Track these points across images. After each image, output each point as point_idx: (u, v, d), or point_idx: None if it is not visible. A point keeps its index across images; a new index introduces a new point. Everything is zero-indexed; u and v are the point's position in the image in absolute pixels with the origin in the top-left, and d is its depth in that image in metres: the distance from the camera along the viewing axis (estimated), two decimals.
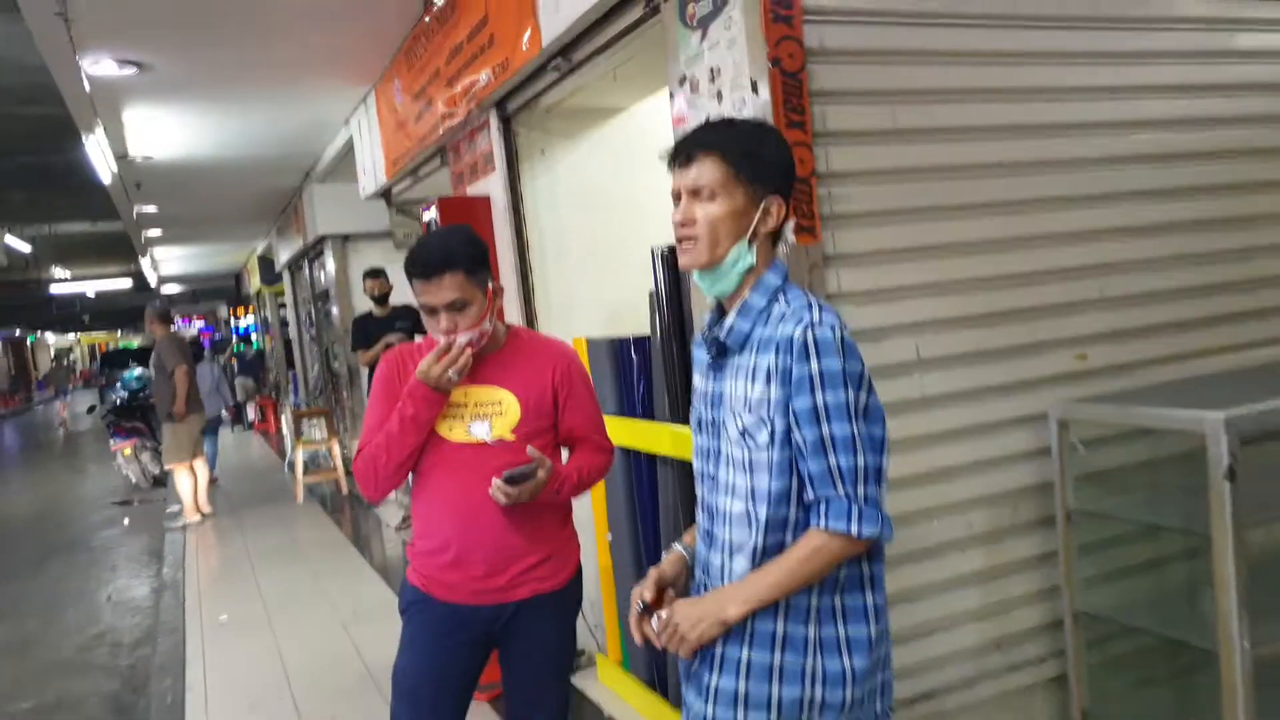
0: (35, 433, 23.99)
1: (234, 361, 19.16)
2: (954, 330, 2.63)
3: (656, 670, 3.78)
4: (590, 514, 4.06)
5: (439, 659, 2.42)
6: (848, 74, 2.46)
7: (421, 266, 2.27)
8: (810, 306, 1.71)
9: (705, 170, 1.72)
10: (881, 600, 1.77)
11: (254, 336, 20.84)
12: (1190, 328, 2.96)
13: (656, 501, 3.66)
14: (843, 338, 1.67)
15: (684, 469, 3.39)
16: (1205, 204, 3.01)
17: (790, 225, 2.38)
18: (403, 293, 8.07)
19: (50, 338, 49.73)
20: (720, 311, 1.85)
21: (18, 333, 39.30)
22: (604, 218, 4.49)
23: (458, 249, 2.30)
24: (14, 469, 16.54)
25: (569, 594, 2.53)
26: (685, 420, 3.30)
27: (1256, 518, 2.17)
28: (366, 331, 7.48)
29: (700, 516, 1.91)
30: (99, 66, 5.00)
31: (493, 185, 4.41)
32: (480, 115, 4.36)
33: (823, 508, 1.67)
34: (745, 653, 1.74)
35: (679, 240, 1.78)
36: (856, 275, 2.50)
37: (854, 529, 1.64)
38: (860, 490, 1.65)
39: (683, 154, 1.75)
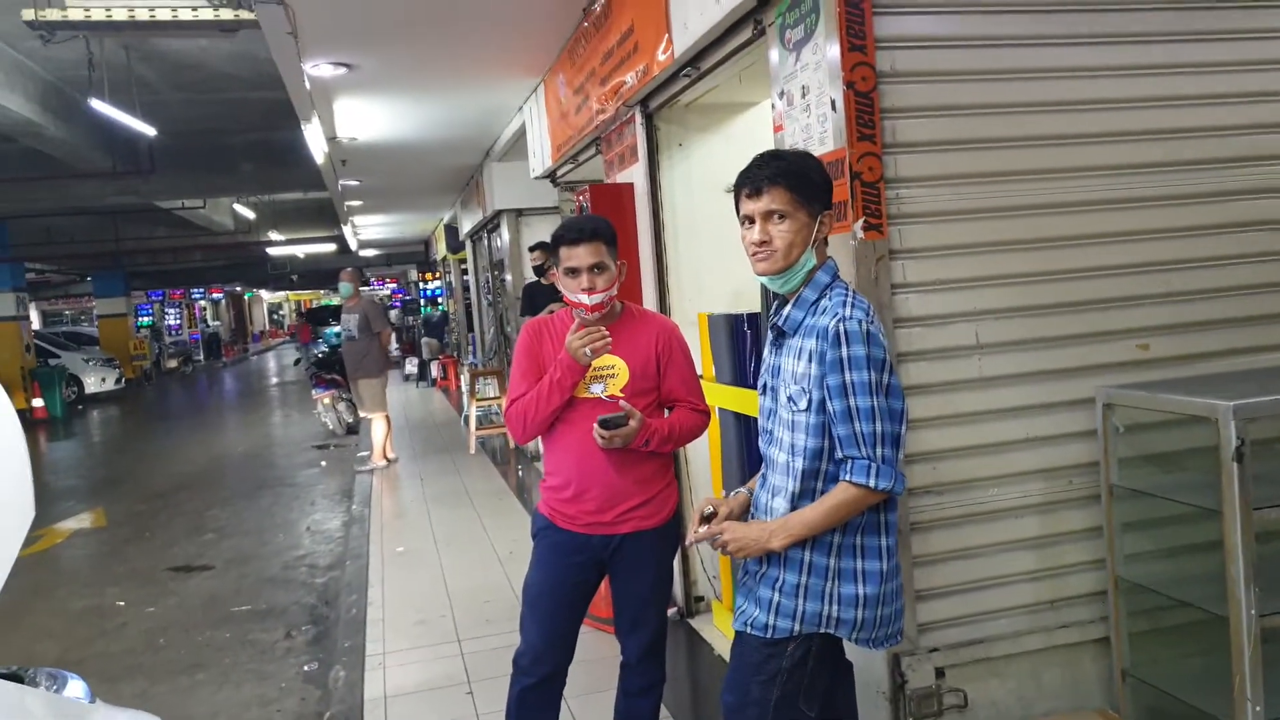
0: (251, 380, 26.66)
1: (421, 324, 20.64)
2: (1012, 318, 2.94)
3: None
4: (708, 472, 4.55)
5: (558, 574, 2.97)
6: (915, 93, 2.81)
7: (575, 232, 2.86)
8: (845, 303, 2.16)
9: (775, 198, 2.19)
10: (893, 543, 2.21)
11: (440, 300, 22.32)
12: (1250, 323, 3.13)
13: None
14: (868, 330, 2.09)
15: None
16: (1267, 206, 3.16)
17: (860, 223, 2.77)
18: None
19: (265, 294, 54.34)
20: (782, 301, 2.31)
21: (239, 289, 43.32)
22: (731, 204, 4.87)
23: (602, 225, 2.91)
24: (234, 412, 18.56)
25: (666, 533, 3.03)
26: None
27: (1267, 497, 2.41)
28: (533, 299, 8.20)
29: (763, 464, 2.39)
30: (318, 69, 5.86)
31: (636, 174, 4.91)
32: (627, 111, 4.86)
33: (849, 465, 2.12)
34: (780, 573, 2.23)
35: (754, 253, 2.25)
36: (920, 267, 2.85)
37: (872, 482, 2.09)
38: (879, 451, 2.09)
39: (751, 186, 2.22)
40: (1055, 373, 2.99)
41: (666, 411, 3.05)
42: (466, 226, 13.68)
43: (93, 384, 20.79)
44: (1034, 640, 3.02)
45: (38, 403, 17.84)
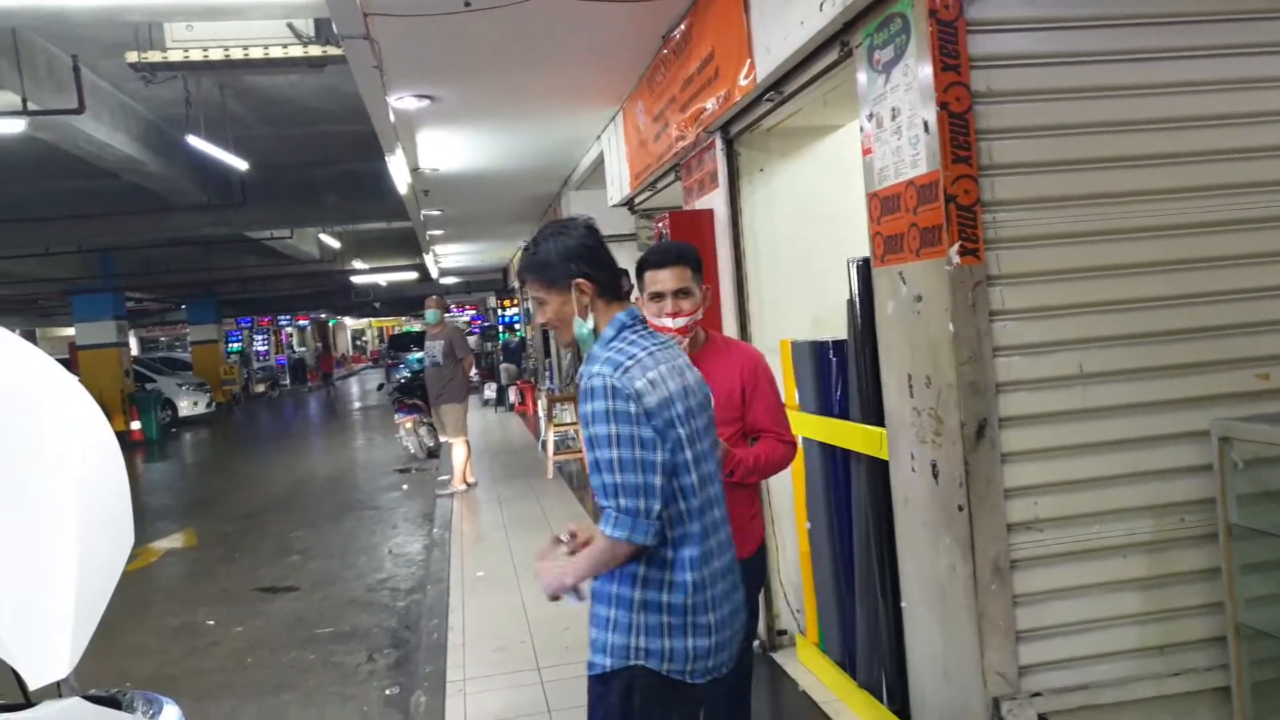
0: (335, 404, 27.30)
1: (499, 350, 20.88)
2: (1118, 346, 2.80)
3: (847, 651, 4.10)
4: (792, 504, 4.45)
5: None
6: (1013, 112, 2.71)
7: (660, 256, 2.89)
8: (597, 358, 2.14)
9: (531, 289, 2.29)
10: (683, 578, 2.13)
11: (518, 326, 22.58)
12: None
13: (850, 493, 3.97)
14: (611, 385, 2.07)
15: (873, 465, 3.69)
16: None
17: (955, 248, 2.67)
18: None
19: (349, 321, 55.76)
20: None
21: (323, 316, 44.53)
22: (813, 229, 4.80)
23: (688, 250, 2.93)
24: (318, 436, 19.00)
25: (753, 565, 2.96)
26: (878, 420, 3.59)
27: None
28: None
29: None
30: (401, 102, 5.99)
31: (716, 200, 4.87)
32: (707, 137, 4.83)
33: (602, 513, 2.10)
34: (597, 608, 2.21)
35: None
36: (1019, 293, 2.74)
37: (610, 530, 2.06)
38: (619, 502, 2.05)
39: (520, 283, 2.27)
40: (1166, 403, 2.83)
41: (751, 442, 2.99)
42: None
43: (186, 407, 21.55)
44: (1144, 688, 2.84)
45: (135, 425, 18.53)
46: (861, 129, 3.13)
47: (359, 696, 4.85)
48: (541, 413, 12.67)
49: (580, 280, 2.21)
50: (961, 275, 2.69)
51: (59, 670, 1.56)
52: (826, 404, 4.07)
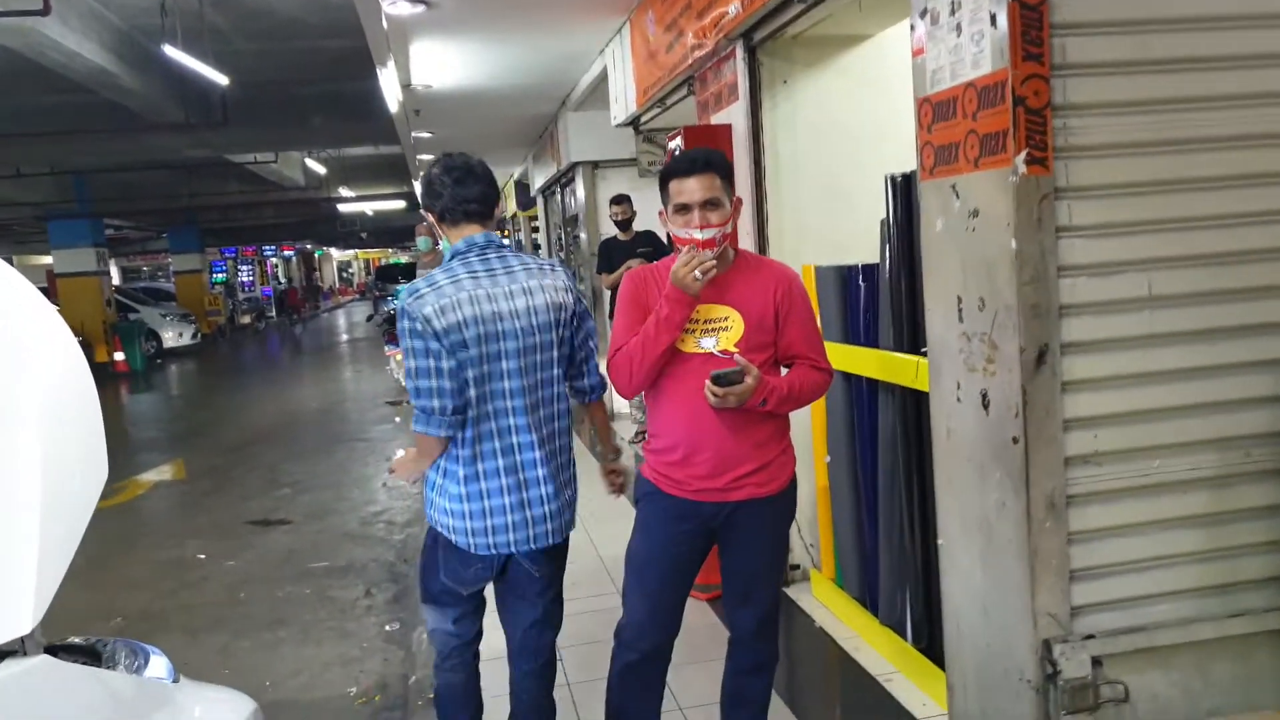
0: (321, 337, 26.97)
1: None
2: (1191, 267, 2.57)
3: (868, 588, 3.95)
4: (810, 435, 4.25)
5: (664, 542, 2.72)
6: (1092, 5, 2.43)
7: (687, 163, 2.59)
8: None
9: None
10: (467, 471, 2.61)
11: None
12: None
13: (876, 426, 3.78)
14: (403, 309, 2.55)
15: (905, 395, 3.50)
16: None
17: (1022, 156, 2.42)
18: (644, 219, 8.47)
19: (335, 252, 55.04)
20: None
21: (309, 246, 43.87)
22: (840, 147, 4.55)
23: (717, 157, 2.64)
24: (306, 369, 18.73)
25: (782, 501, 2.76)
26: (912, 348, 3.39)
27: None
28: (610, 255, 7.93)
29: None
30: (395, 7, 5.61)
31: (735, 114, 4.58)
32: (727, 45, 4.52)
33: None
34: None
35: None
36: (1089, 208, 2.49)
37: (413, 427, 2.60)
38: (417, 403, 2.57)
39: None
40: (1237, 330, 2.62)
41: (784, 369, 2.77)
42: (538, 182, 13.44)
43: (170, 339, 21.18)
44: (1203, 629, 2.68)
45: (119, 356, 18.20)
46: (912, 28, 2.84)
47: (357, 633, 4.69)
48: None
49: (425, 209, 2.73)
50: (1027, 187, 2.44)
51: (21, 626, 1.35)
52: (853, 332, 3.87)
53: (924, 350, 3.19)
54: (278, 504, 7.32)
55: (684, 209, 2.59)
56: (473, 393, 2.54)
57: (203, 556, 6.07)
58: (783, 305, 2.69)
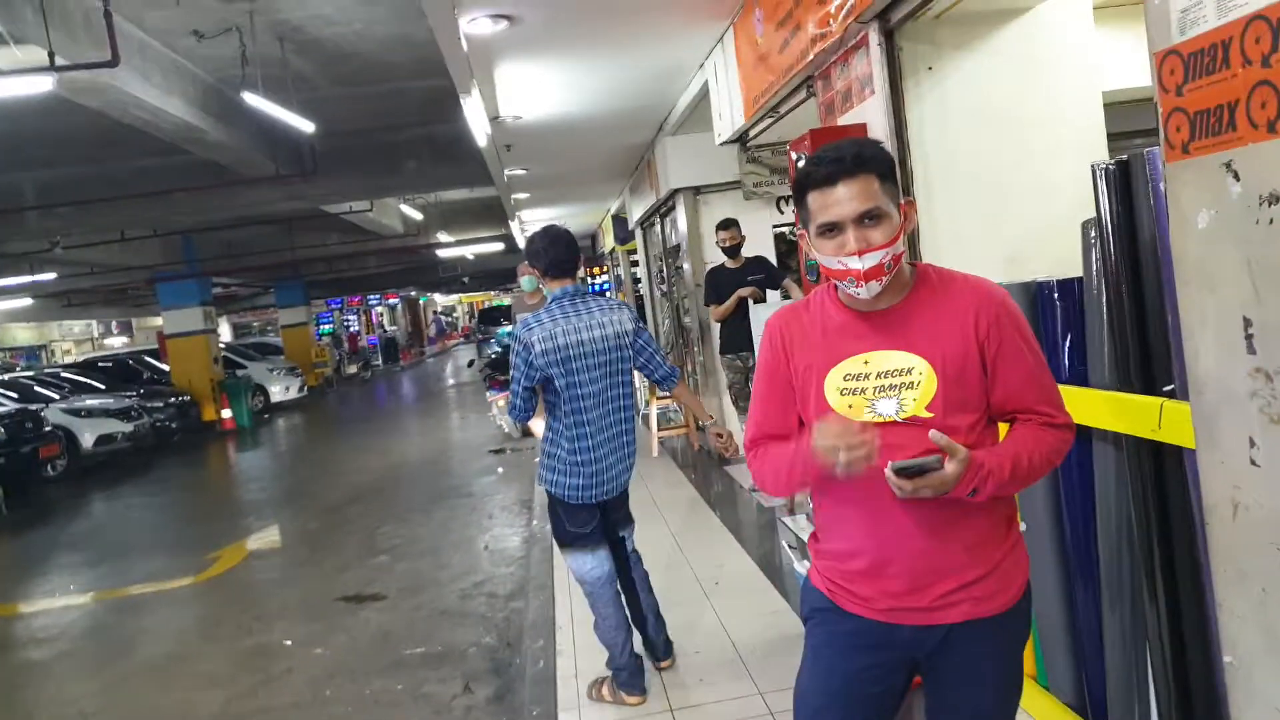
0: (427, 383, 26.97)
1: None
2: None
3: (1093, 699, 3.07)
4: None
5: (847, 680, 1.96)
6: None
7: (829, 166, 1.80)
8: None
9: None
10: (568, 448, 3.63)
11: (608, 294, 21.75)
12: None
13: (1091, 488, 2.93)
14: (516, 335, 3.60)
15: (1140, 449, 2.65)
16: None
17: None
18: (755, 244, 7.73)
19: (438, 298, 55.85)
20: None
21: (413, 293, 44.51)
22: (1000, 140, 3.77)
23: (870, 150, 1.83)
24: (410, 418, 18.50)
25: (1014, 619, 1.96)
26: (1144, 387, 2.56)
27: None
28: (719, 285, 7.21)
29: None
30: (475, 24, 5.06)
31: (870, 111, 3.82)
32: (858, 30, 3.77)
33: None
34: None
35: None
36: None
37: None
38: (510, 400, 3.67)
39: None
40: None
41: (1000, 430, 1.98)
42: (636, 213, 12.85)
43: (278, 393, 21.36)
44: None
45: (226, 414, 18.32)
46: None
47: None
48: (639, 385, 11.81)
49: (530, 265, 3.74)
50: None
51: None
52: (1051, 365, 3.02)
53: (1166, 389, 2.36)
54: (373, 575, 6.77)
55: (832, 229, 1.82)
56: (565, 394, 3.56)
57: (289, 642, 5.52)
58: (990, 340, 1.89)
